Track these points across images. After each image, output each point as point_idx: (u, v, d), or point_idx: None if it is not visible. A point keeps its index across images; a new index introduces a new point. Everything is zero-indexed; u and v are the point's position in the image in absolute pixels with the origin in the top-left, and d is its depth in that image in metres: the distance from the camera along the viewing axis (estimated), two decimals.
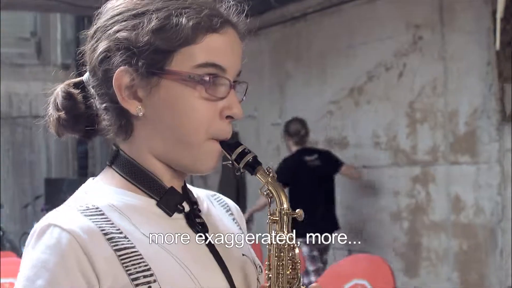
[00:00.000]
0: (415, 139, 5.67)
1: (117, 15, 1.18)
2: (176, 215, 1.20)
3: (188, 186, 1.29)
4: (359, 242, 6.02)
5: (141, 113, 1.16)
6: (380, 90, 5.95)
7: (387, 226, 5.87)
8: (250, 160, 1.18)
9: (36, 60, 9.56)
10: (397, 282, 5.61)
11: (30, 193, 9.35)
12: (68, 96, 1.24)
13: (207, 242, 1.21)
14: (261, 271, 1.29)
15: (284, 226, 1.18)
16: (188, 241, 1.19)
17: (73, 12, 8.37)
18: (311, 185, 5.67)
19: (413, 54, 5.68)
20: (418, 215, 5.65)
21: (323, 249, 5.64)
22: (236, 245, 1.28)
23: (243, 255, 1.28)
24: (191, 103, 1.15)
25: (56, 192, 8.21)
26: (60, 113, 1.23)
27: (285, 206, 1.17)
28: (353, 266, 4.56)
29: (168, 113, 1.16)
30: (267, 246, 1.19)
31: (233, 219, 1.38)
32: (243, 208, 7.43)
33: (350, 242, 5.96)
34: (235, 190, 7.38)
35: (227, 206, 1.40)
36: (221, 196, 1.42)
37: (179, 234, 1.18)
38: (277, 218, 1.17)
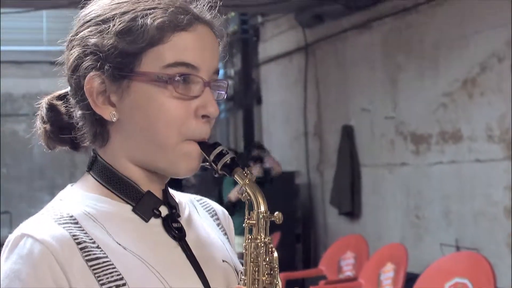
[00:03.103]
0: None
1: (87, 22, 1.18)
2: (153, 220, 1.18)
3: (171, 190, 1.27)
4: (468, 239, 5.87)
5: (114, 119, 1.15)
6: (493, 81, 5.75)
7: (500, 221, 5.67)
8: (228, 162, 1.15)
9: None
10: None
11: None
12: (51, 108, 1.25)
13: (183, 248, 1.18)
14: None
15: (262, 230, 1.16)
16: (164, 248, 1.17)
17: None
18: None
19: None
20: None
21: None
22: (216, 251, 1.25)
23: (223, 261, 1.25)
24: (161, 104, 1.13)
25: (181, 187, 8.47)
26: (46, 125, 1.24)
27: (262, 209, 1.15)
28: (455, 263, 4.47)
29: (140, 116, 1.14)
30: (244, 251, 1.17)
31: (218, 224, 1.35)
32: (358, 203, 7.40)
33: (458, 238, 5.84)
34: (350, 183, 7.34)
35: (213, 210, 1.37)
36: (207, 200, 1.39)
37: (155, 241, 1.16)
38: (255, 222, 1.15)
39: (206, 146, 1.17)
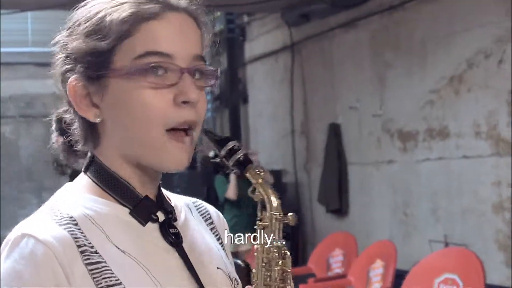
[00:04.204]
0: None
1: (69, 28, 1.18)
2: (149, 224, 1.17)
3: (166, 193, 1.26)
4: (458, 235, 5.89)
5: (97, 120, 1.15)
6: (480, 78, 5.77)
7: (488, 218, 5.70)
8: (241, 158, 1.12)
9: None
10: (500, 275, 5.46)
11: None
12: (59, 120, 1.24)
13: (180, 254, 1.17)
14: (237, 284, 1.25)
15: (275, 232, 1.13)
16: (161, 253, 1.15)
17: None
18: None
19: None
20: None
21: None
22: (211, 258, 1.24)
23: (217, 268, 1.23)
24: (137, 96, 1.11)
25: (168, 185, 8.45)
26: (59, 139, 1.23)
27: (276, 211, 1.12)
28: (444, 260, 4.48)
29: (120, 113, 1.13)
30: (255, 254, 1.14)
31: (212, 229, 1.33)
32: (345, 201, 7.41)
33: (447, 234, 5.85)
34: (337, 181, 7.35)
35: (208, 214, 1.35)
36: (203, 203, 1.37)
37: (152, 246, 1.15)
38: (268, 224, 1.13)
39: (217, 140, 1.14)
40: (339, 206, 7.39)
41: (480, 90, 5.77)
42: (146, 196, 1.18)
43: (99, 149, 1.19)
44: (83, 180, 1.20)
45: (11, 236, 1.10)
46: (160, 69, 1.12)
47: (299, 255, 8.18)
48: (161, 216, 1.19)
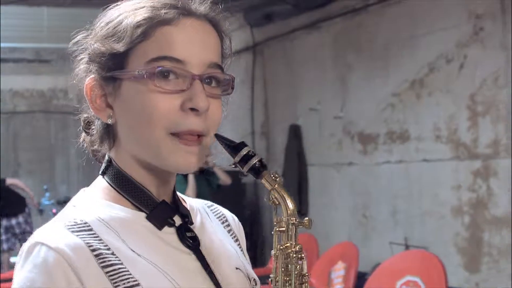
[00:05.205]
0: (476, 132, 5.55)
1: (92, 29, 1.19)
2: (166, 228, 1.17)
3: (182, 196, 1.27)
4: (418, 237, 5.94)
5: (110, 120, 1.16)
6: (441, 82, 5.83)
7: (448, 221, 5.76)
8: (257, 164, 1.12)
9: None
10: (458, 278, 5.52)
11: None
12: (87, 119, 1.25)
13: (198, 257, 1.18)
14: (256, 284, 1.26)
15: (292, 237, 1.14)
16: (178, 257, 1.16)
17: None
18: None
19: (474, 45, 5.54)
20: (479, 210, 5.53)
21: None
22: (229, 259, 1.24)
23: (236, 268, 1.24)
24: (146, 99, 1.11)
25: None
26: (87, 138, 1.24)
27: (293, 215, 1.13)
28: (406, 262, 4.50)
29: (129, 114, 1.14)
30: (273, 258, 1.15)
31: (229, 231, 1.34)
32: (305, 203, 7.42)
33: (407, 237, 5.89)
34: (297, 183, 7.36)
35: (224, 217, 1.36)
36: (218, 207, 1.38)
37: (169, 249, 1.15)
38: (284, 228, 1.13)
39: (231, 147, 1.13)
40: (298, 208, 7.35)
41: (441, 94, 5.83)
42: (163, 200, 1.18)
43: (114, 150, 1.19)
44: (99, 183, 1.21)
45: (26, 245, 1.10)
46: (171, 74, 1.11)
47: (257, 256, 8.18)
48: (177, 220, 1.19)
